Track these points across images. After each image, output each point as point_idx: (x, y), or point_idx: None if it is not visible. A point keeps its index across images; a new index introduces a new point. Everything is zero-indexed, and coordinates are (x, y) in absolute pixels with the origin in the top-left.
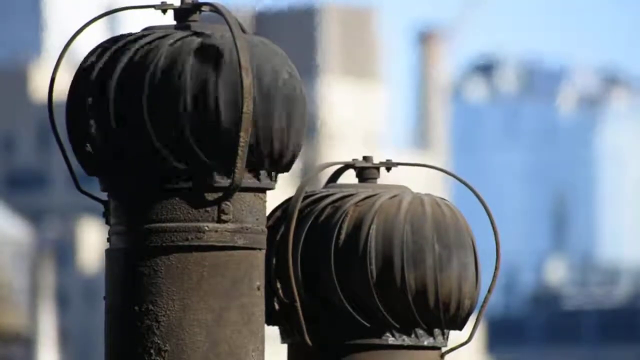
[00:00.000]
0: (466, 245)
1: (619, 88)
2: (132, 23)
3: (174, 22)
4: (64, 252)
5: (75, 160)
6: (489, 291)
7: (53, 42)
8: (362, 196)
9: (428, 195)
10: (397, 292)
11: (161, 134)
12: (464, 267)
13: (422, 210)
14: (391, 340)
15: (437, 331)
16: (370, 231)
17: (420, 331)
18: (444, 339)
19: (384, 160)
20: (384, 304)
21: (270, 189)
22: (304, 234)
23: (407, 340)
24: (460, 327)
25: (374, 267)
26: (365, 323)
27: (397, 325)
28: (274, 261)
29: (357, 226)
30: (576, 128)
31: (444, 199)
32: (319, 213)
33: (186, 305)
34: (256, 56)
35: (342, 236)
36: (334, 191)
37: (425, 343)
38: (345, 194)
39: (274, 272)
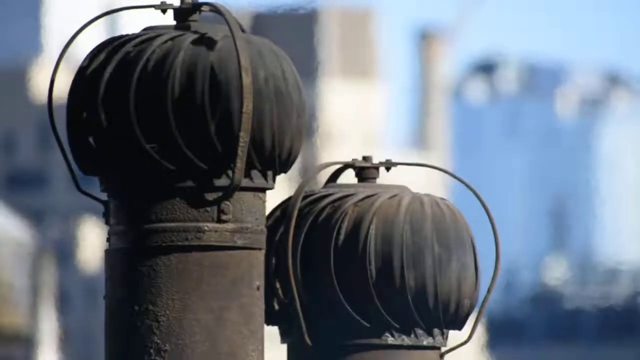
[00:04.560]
0: (466, 245)
1: (620, 89)
2: (132, 23)
3: (174, 22)
4: (64, 252)
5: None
6: (489, 291)
7: (53, 42)
8: (362, 196)
9: (428, 195)
10: (397, 292)
11: (148, 133)
12: (463, 267)
13: (421, 210)
14: (390, 340)
15: (436, 331)
16: (370, 231)
17: (419, 331)
18: (443, 338)
19: (383, 160)
20: (383, 304)
21: (269, 189)
22: (303, 234)
23: (406, 340)
24: (459, 327)
25: (373, 267)
26: (365, 323)
27: (397, 325)
28: (273, 261)
29: (357, 226)
30: (577, 128)
31: (444, 199)
32: (319, 213)
33: (186, 305)
34: (257, 56)
35: (342, 236)
36: (333, 191)
37: (425, 343)
38: (345, 193)
39: (274, 272)
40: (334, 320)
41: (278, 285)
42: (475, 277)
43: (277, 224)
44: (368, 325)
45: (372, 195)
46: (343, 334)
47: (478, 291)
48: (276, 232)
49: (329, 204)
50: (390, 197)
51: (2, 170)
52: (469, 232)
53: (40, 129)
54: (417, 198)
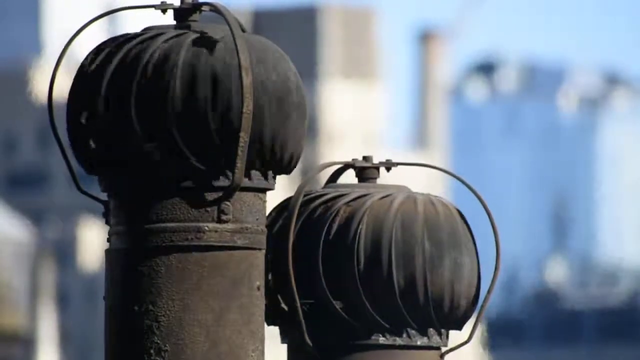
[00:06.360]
0: (461, 244)
1: (620, 88)
2: (132, 23)
3: (174, 22)
4: (64, 252)
5: (75, 160)
6: (489, 291)
7: (53, 42)
8: (354, 196)
9: (424, 194)
10: (385, 291)
11: (148, 133)
12: (457, 267)
13: (413, 208)
14: (382, 340)
15: (431, 331)
16: (359, 229)
17: (412, 331)
18: (441, 338)
19: (383, 160)
20: (371, 303)
21: (270, 189)
22: (295, 233)
23: (398, 341)
24: (458, 327)
25: (361, 265)
26: (354, 323)
27: (387, 325)
28: (270, 261)
29: (347, 225)
30: (576, 128)
31: (441, 198)
32: (310, 212)
33: (186, 305)
34: (257, 56)
35: (331, 235)
36: (328, 191)
37: (419, 343)
38: (339, 193)
39: (272, 272)
40: (327, 321)
41: (276, 286)
42: (473, 277)
43: (274, 224)
44: (358, 325)
45: (365, 195)
46: (338, 335)
47: (478, 291)
48: (275, 232)
49: (321, 203)
50: (383, 197)
51: (2, 170)
52: (467, 231)
53: (41, 129)
54: (411, 197)
